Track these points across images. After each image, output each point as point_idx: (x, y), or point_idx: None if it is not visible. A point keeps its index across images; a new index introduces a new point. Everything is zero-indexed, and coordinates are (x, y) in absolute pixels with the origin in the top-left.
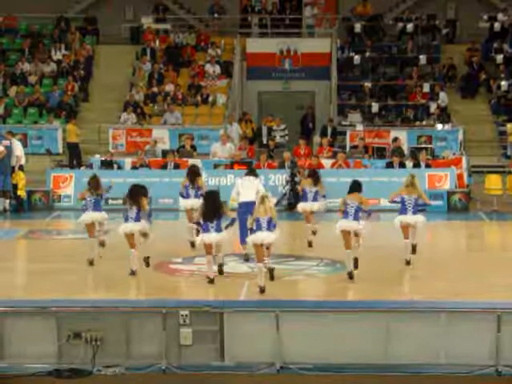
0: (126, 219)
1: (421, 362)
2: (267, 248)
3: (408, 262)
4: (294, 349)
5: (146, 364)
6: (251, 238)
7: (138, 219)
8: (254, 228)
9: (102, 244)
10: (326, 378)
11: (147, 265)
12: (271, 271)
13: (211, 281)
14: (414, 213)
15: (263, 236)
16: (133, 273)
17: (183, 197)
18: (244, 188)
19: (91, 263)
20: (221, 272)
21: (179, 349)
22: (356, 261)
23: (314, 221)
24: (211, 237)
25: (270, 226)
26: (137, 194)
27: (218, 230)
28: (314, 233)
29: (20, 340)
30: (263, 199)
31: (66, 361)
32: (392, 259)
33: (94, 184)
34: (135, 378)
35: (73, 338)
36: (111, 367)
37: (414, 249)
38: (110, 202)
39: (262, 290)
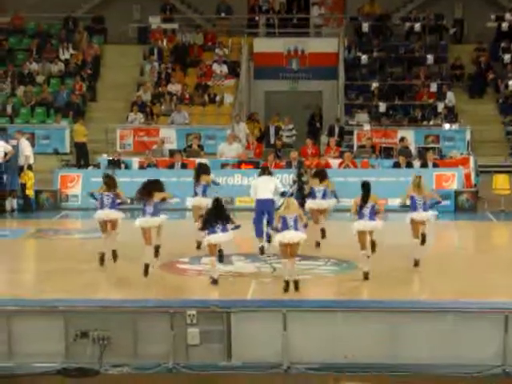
0: (144, 213)
1: (428, 362)
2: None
3: (417, 262)
4: (301, 348)
5: (153, 364)
6: (278, 238)
7: (156, 214)
8: (280, 226)
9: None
10: (333, 378)
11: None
12: (296, 283)
13: (215, 281)
14: (425, 210)
15: (290, 235)
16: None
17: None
18: (260, 187)
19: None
20: (221, 257)
21: (186, 348)
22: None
23: (323, 222)
24: (217, 237)
25: (297, 224)
26: (148, 190)
27: (225, 230)
28: (322, 232)
29: (28, 339)
30: (288, 199)
31: (73, 360)
32: (399, 259)
33: (111, 183)
34: (142, 378)
35: (80, 337)
36: (118, 367)
37: (423, 239)
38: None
39: (287, 287)
